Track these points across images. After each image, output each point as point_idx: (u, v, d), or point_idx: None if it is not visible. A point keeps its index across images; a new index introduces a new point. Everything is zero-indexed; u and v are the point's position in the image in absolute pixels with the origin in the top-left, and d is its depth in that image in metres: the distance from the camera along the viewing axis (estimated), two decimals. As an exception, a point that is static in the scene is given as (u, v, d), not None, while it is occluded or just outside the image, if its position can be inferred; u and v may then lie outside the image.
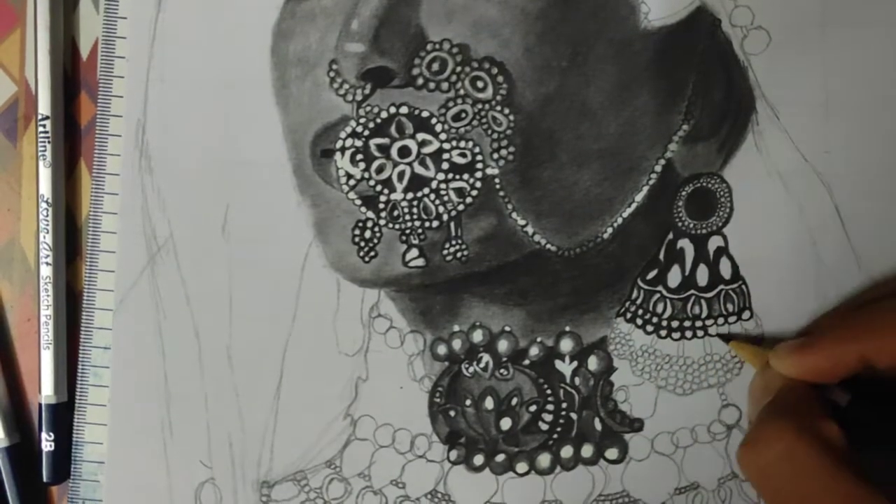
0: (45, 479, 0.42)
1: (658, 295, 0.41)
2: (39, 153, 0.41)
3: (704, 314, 0.41)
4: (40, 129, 0.41)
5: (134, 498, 0.42)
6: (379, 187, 0.40)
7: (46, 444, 0.42)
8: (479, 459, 0.42)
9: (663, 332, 0.41)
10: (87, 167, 0.42)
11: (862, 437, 0.33)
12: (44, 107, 0.41)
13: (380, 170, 0.40)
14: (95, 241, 0.42)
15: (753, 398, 0.39)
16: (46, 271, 0.42)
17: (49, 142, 0.41)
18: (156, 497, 0.41)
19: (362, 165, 0.40)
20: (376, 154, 0.40)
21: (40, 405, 0.42)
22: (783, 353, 0.37)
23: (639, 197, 0.41)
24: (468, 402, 0.42)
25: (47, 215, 0.42)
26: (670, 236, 0.41)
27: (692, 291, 0.41)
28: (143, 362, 0.41)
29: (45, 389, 0.42)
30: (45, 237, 0.42)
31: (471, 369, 0.42)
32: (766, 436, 0.34)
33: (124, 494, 0.42)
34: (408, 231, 0.40)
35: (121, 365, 0.41)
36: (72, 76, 0.43)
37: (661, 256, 0.41)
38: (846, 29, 0.40)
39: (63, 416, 0.42)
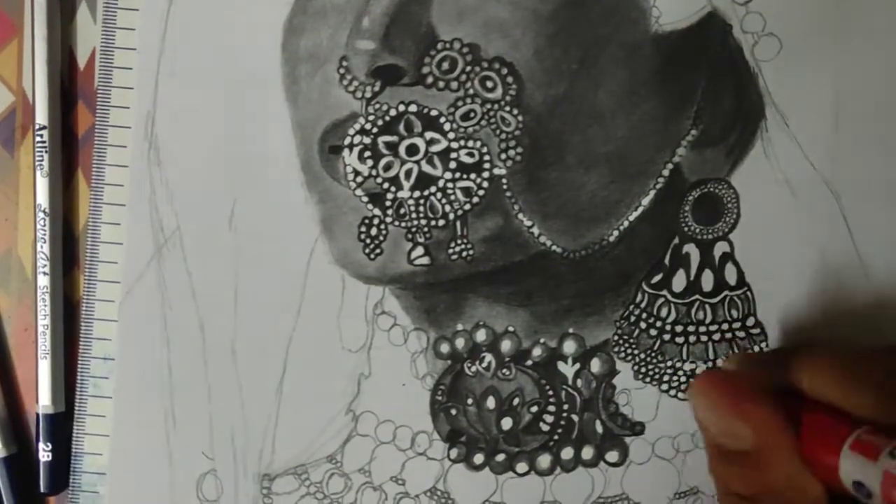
0: (42, 490, 0.42)
1: (662, 299, 0.41)
2: (37, 163, 0.41)
3: (709, 319, 0.41)
4: (37, 138, 0.41)
5: (136, 487, 0.42)
6: (386, 185, 0.40)
7: (44, 454, 0.42)
8: (479, 458, 0.42)
9: (667, 337, 0.41)
10: (84, 177, 0.42)
11: None
12: (41, 117, 0.41)
13: (387, 167, 0.40)
14: (94, 251, 0.42)
15: None
16: (44, 281, 0.42)
17: (46, 151, 0.41)
18: (157, 487, 0.42)
19: (370, 162, 0.40)
20: (384, 151, 0.40)
21: (38, 415, 0.42)
22: None
23: (645, 201, 0.41)
24: (470, 400, 0.42)
25: (44, 225, 0.41)
26: (676, 241, 0.41)
27: (697, 296, 0.41)
28: (147, 353, 0.42)
29: (42, 399, 0.42)
30: (42, 247, 0.42)
31: (473, 368, 0.42)
32: None
33: (127, 484, 0.42)
34: (414, 229, 0.40)
35: (125, 355, 0.42)
36: (69, 86, 0.42)
37: (667, 261, 0.41)
38: (858, 38, 0.40)
39: (61, 426, 0.42)
